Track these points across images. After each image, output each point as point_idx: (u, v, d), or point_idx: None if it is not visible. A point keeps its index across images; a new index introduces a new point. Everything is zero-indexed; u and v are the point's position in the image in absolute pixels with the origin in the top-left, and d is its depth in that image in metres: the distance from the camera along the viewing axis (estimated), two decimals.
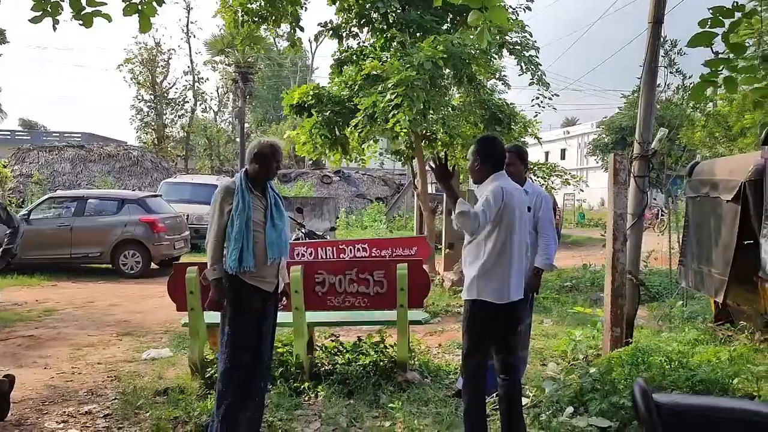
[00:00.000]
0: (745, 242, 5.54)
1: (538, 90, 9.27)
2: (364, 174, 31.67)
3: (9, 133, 43.60)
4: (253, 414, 4.02)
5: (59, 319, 8.41)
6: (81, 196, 13.30)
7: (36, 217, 12.55)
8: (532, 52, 9.19)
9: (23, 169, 24.32)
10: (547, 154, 54.37)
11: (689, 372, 4.15)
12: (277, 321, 4.36)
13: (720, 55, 2.85)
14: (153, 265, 12.83)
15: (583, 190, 13.90)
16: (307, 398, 4.84)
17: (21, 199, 21.57)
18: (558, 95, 9.30)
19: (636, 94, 7.42)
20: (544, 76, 9.14)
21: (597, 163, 44.64)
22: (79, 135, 38.36)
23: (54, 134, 41.12)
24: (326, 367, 5.35)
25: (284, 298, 4.34)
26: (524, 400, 4.32)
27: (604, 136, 41.49)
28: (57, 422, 4.55)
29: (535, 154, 31.41)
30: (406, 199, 27.97)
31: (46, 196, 13.94)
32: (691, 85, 13.30)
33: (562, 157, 55.59)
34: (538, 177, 11.84)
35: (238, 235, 3.85)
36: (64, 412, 4.76)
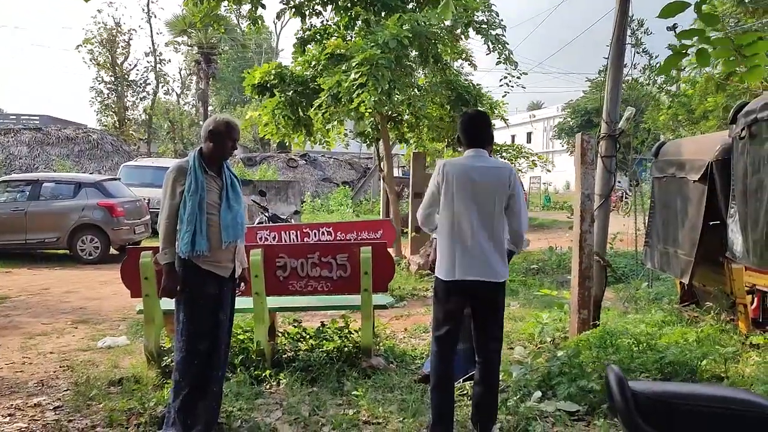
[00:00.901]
0: (711, 223, 5.52)
1: (506, 69, 9.16)
2: (331, 157, 31.36)
3: None
4: (210, 404, 3.84)
5: (11, 306, 8.07)
6: (35, 179, 12.79)
7: None
8: (499, 31, 9.07)
9: None
10: (513, 137, 54.60)
11: (657, 354, 4.10)
12: (237, 306, 4.18)
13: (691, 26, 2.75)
14: (112, 251, 12.45)
15: (550, 171, 13.96)
16: (268, 386, 4.66)
17: None
18: (526, 74, 9.19)
19: (602, 75, 7.35)
20: (511, 55, 9.03)
21: (562, 146, 45.05)
22: (37, 117, 37.09)
23: (11, 117, 39.63)
24: (288, 354, 5.19)
25: (242, 284, 4.16)
26: None
27: (569, 119, 41.84)
28: (3, 416, 4.30)
29: (501, 137, 31.48)
30: (372, 183, 27.82)
31: None
32: (657, 65, 13.36)
33: (528, 141, 55.96)
34: (505, 159, 11.78)
35: (191, 217, 3.65)
36: (12, 405, 4.51)
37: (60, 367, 5.49)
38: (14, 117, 38.30)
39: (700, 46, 2.82)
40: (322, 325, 5.32)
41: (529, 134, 58.07)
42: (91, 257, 12.01)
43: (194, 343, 3.75)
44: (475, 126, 3.81)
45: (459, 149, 3.84)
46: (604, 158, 5.57)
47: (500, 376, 4.03)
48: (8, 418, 4.27)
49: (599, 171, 5.54)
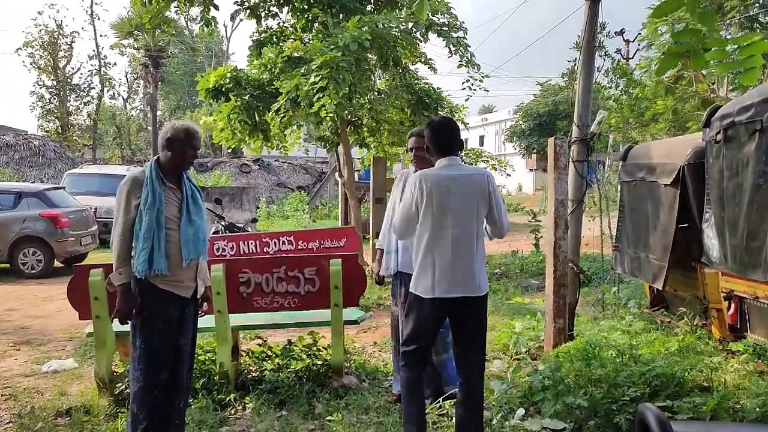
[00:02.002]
0: (680, 226, 5.45)
1: (468, 72, 9.01)
2: (285, 162, 30.89)
3: None
4: None
5: None
6: None
7: None
8: (461, 33, 8.91)
9: None
10: (466, 140, 55.05)
11: (644, 367, 3.96)
12: (198, 326, 3.86)
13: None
14: (57, 264, 11.81)
15: (510, 175, 13.97)
16: (233, 411, 4.34)
17: None
18: (488, 76, 9.07)
19: (566, 78, 7.25)
20: (473, 58, 8.88)
21: (515, 149, 45.58)
22: None
23: None
24: (254, 375, 4.87)
25: (204, 304, 3.84)
26: None
27: (521, 122, 42.34)
28: None
29: None
30: (328, 188, 27.48)
31: None
32: (617, 68, 13.49)
33: (481, 144, 56.48)
34: (466, 163, 11.69)
35: (148, 233, 3.33)
36: None
37: (1, 395, 5.03)
38: None
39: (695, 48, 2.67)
40: (289, 342, 5.02)
41: (481, 137, 58.63)
42: (33, 271, 11.34)
43: (153, 372, 3.42)
44: (446, 133, 3.63)
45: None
46: (576, 162, 5.45)
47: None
48: None
49: (571, 176, 5.42)
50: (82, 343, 6.49)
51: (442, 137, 3.61)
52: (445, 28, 8.94)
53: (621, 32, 20.98)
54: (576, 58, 7.11)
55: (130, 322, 3.46)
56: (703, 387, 4.06)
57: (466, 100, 9.90)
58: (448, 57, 8.86)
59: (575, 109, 5.50)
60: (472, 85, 9.23)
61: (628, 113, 17.38)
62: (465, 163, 11.94)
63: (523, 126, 41.47)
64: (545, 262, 10.20)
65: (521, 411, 3.88)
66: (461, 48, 8.87)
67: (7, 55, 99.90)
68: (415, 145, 4.24)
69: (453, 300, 3.41)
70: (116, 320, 3.50)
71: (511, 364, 4.68)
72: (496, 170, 12.84)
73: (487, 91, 9.74)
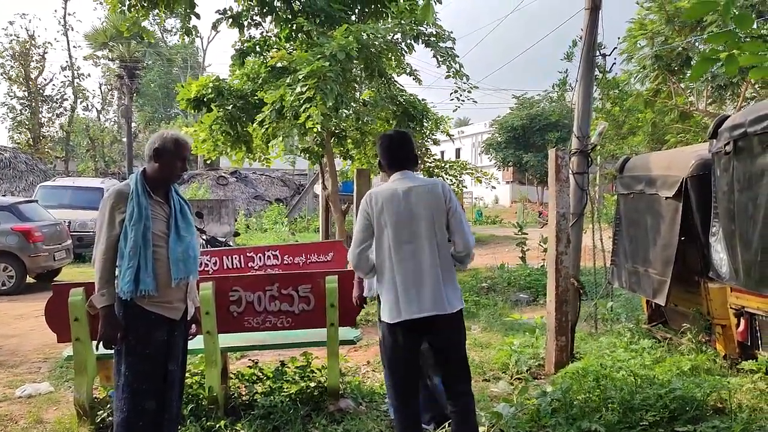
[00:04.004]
0: (681, 239, 5.33)
1: (455, 83, 8.89)
2: (262, 174, 30.55)
3: None
4: None
5: None
6: None
7: None
8: (449, 44, 8.79)
9: None
10: (442, 153, 55.15)
11: (660, 389, 3.79)
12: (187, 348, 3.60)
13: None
14: (29, 280, 11.36)
15: (495, 187, 13.80)
16: None
17: None
18: (477, 87, 8.96)
19: (556, 89, 7.20)
20: (462, 68, 8.76)
21: (490, 161, 45.73)
22: None
23: None
24: (244, 399, 4.60)
25: (194, 326, 3.57)
26: (479, 429, 3.80)
27: (497, 135, 42.51)
28: None
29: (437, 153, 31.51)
30: (307, 200, 27.20)
31: None
32: (607, 79, 13.47)
33: (458, 156, 56.52)
34: (450, 175, 11.57)
35: (134, 250, 3.08)
36: None
37: None
38: None
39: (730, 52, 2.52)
40: (282, 364, 4.76)
41: (458, 150, 58.74)
42: (4, 287, 10.88)
43: (139, 401, 3.16)
44: (397, 147, 3.45)
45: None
46: (576, 175, 5.31)
47: (489, 420, 3.63)
48: None
49: (572, 188, 5.27)
50: (57, 364, 6.14)
51: (394, 150, 3.44)
52: (433, 38, 8.83)
53: (599, 46, 21.16)
54: (567, 69, 7.00)
55: (114, 347, 3.20)
56: (718, 409, 3.90)
57: (454, 111, 9.79)
58: (437, 67, 8.73)
59: (574, 120, 5.37)
60: (461, 95, 9.11)
61: (611, 126, 17.46)
62: (447, 175, 11.88)
63: (499, 139, 41.65)
64: (534, 275, 10.20)
65: None
66: (449, 58, 8.76)
67: None
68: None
69: (422, 321, 3.17)
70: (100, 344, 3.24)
71: (516, 386, 4.48)
72: (480, 182, 12.74)
73: (476, 102, 9.64)
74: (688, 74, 12.71)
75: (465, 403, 3.29)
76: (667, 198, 5.29)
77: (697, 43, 12.88)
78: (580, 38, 5.54)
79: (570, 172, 5.27)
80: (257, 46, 9.68)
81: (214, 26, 9.52)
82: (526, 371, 5.14)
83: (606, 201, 21.63)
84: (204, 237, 9.88)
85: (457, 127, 60.23)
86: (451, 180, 11.81)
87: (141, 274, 3.09)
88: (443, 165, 11.71)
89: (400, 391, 3.33)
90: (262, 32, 9.88)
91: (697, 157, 5.03)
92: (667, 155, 6.58)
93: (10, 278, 10.96)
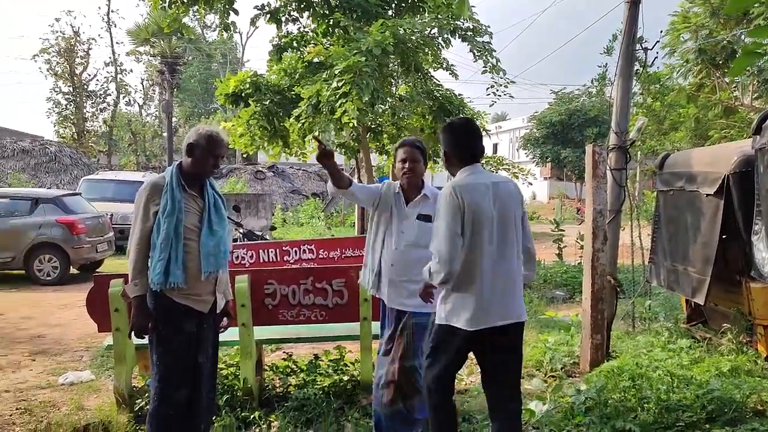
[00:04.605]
0: (722, 237, 5.20)
1: (492, 78, 8.82)
2: (299, 169, 30.77)
3: None
4: None
5: None
6: None
7: None
8: (486, 38, 8.72)
9: None
10: None
11: (698, 389, 3.71)
12: (221, 340, 3.66)
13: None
14: (72, 271, 11.69)
15: (531, 184, 13.66)
16: (258, 430, 4.13)
17: None
18: (514, 82, 8.87)
19: (595, 83, 7.04)
20: (499, 63, 8.68)
21: (528, 157, 45.26)
22: None
23: None
24: (278, 391, 4.67)
25: (225, 319, 3.59)
26: None
27: (535, 130, 42.03)
28: None
29: None
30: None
31: None
32: (649, 74, 13.20)
33: (495, 152, 56.18)
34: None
35: (165, 243, 3.13)
36: None
37: (17, 409, 4.85)
38: None
39: None
40: (316, 357, 4.81)
41: (495, 145, 58.32)
42: (49, 278, 11.21)
43: (169, 392, 3.23)
44: (473, 137, 3.19)
45: (445, 162, 3.26)
46: (613, 171, 5.22)
47: (522, 417, 3.60)
48: None
49: (609, 184, 5.19)
50: (98, 353, 6.32)
51: (471, 140, 3.17)
52: (469, 33, 8.76)
53: (640, 40, 20.73)
54: (606, 64, 6.88)
55: (144, 336, 3.28)
56: (758, 411, 3.80)
57: (490, 106, 9.72)
58: (474, 62, 8.67)
59: (612, 116, 5.28)
60: (497, 90, 9.03)
61: (652, 121, 17.11)
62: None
63: (537, 134, 41.15)
64: (571, 273, 10.06)
65: None
66: (486, 53, 8.69)
67: (25, 61, 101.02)
68: (406, 156, 3.66)
69: (498, 329, 2.98)
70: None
71: (550, 383, 4.44)
72: (517, 178, 12.62)
73: (512, 97, 9.55)
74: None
75: (517, 425, 3.11)
76: (707, 195, 5.17)
77: (743, 37, 12.52)
78: (621, 32, 5.44)
79: (607, 168, 5.18)
80: (294, 42, 9.76)
81: (253, 22, 9.62)
82: (561, 369, 5.09)
83: (646, 198, 21.22)
84: (241, 230, 10.01)
85: (494, 122, 59.84)
86: None
87: (171, 266, 3.14)
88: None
89: (446, 391, 3.14)
90: (300, 27, 9.96)
91: (740, 153, 4.90)
92: (708, 151, 6.42)
93: (54, 269, 11.29)
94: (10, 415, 4.71)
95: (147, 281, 3.19)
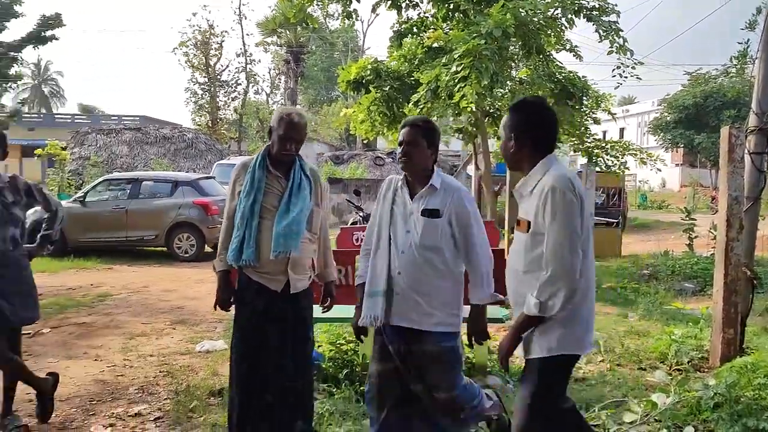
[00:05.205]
0: None
1: (619, 59, 8.44)
2: None
3: (69, 116, 44.61)
4: None
5: (113, 305, 8.14)
6: (135, 178, 13.12)
7: (91, 199, 12.44)
8: (613, 17, 8.35)
9: (82, 151, 24.62)
10: (604, 133, 52.47)
11: None
12: (340, 315, 3.80)
13: None
14: (207, 249, 12.58)
15: (660, 170, 12.93)
16: None
17: (80, 182, 21.77)
18: (642, 63, 8.43)
19: (735, 61, 6.47)
20: (626, 43, 8.28)
21: (657, 143, 42.70)
22: (137, 118, 38.85)
23: (112, 117, 41.76)
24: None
25: (329, 299, 3.67)
26: (630, 416, 3.68)
27: (666, 114, 39.53)
28: (104, 426, 4.15)
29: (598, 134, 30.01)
30: (460, 181, 27.20)
31: (101, 179, 13.85)
32: None
33: (621, 136, 53.50)
34: (611, 156, 11.01)
35: (241, 221, 3.24)
36: (113, 413, 4.37)
37: (160, 372, 5.36)
38: (116, 118, 40.33)
39: None
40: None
41: (621, 130, 55.49)
42: (187, 255, 12.14)
43: (236, 366, 3.40)
44: (554, 119, 2.74)
45: (514, 147, 2.68)
46: (753, 155, 4.86)
47: (643, 409, 3.49)
48: (109, 428, 4.12)
49: (747, 170, 4.84)
50: (230, 325, 6.77)
51: (551, 125, 2.69)
52: (595, 12, 8.44)
53: None
54: (748, 40, 6.36)
55: (226, 310, 3.48)
56: None
57: (615, 88, 9.29)
58: (599, 42, 8.34)
59: (754, 95, 4.91)
60: (623, 72, 8.63)
61: None
62: (608, 157, 11.29)
63: (668, 118, 38.66)
64: (702, 264, 9.47)
65: (690, 429, 3.50)
66: (612, 33, 8.32)
67: (166, 54, 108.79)
68: (403, 138, 3.11)
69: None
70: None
71: (675, 376, 4.26)
72: (645, 164, 11.98)
73: (640, 78, 9.09)
74: None
75: None
76: None
77: None
78: (766, 4, 5.05)
79: (746, 151, 4.84)
80: (414, 27, 9.85)
81: (374, 9, 9.82)
82: (687, 362, 4.85)
83: None
84: (361, 214, 10.34)
85: (621, 105, 57.02)
86: (612, 161, 11.22)
87: (245, 244, 3.22)
88: (604, 145, 11.16)
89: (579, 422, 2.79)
90: (420, 13, 10.03)
91: None
92: None
93: (191, 246, 12.20)
94: (155, 377, 5.21)
95: None
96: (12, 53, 33.63)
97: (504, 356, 2.65)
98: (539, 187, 2.52)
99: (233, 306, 3.47)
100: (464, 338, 3.33)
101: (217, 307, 3.49)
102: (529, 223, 2.54)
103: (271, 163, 3.33)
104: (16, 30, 54.06)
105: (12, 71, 34.91)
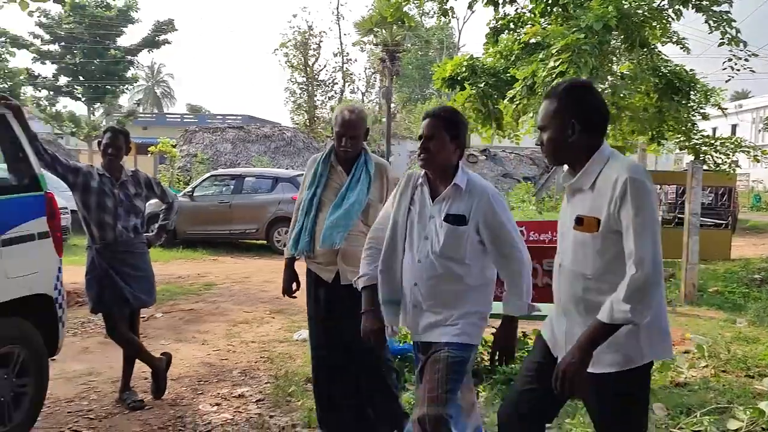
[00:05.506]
0: None
1: (730, 51, 7.96)
2: (511, 152, 30.55)
3: (178, 116, 47.35)
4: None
5: (218, 293, 8.62)
6: (239, 174, 13.80)
7: (199, 194, 13.19)
8: (725, 7, 7.88)
9: (190, 149, 26.07)
10: (714, 130, 49.44)
11: None
12: None
13: None
14: None
15: None
16: None
17: (188, 177, 23.08)
18: (757, 55, 7.91)
19: None
20: (739, 34, 7.79)
21: None
22: (240, 117, 40.63)
23: (217, 117, 43.91)
24: (486, 363, 4.83)
25: None
26: (735, 423, 3.53)
27: None
28: (211, 404, 4.45)
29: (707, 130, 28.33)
30: (556, 179, 26.55)
31: (207, 174, 14.65)
32: None
33: (733, 133, 50.25)
34: (721, 153, 10.40)
35: (300, 213, 3.51)
36: (218, 393, 4.67)
37: (260, 357, 5.65)
38: (220, 117, 42.40)
39: None
40: (524, 335, 4.90)
41: (733, 126, 52.13)
42: (285, 248, 12.58)
43: (312, 350, 3.72)
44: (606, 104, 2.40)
45: (571, 137, 2.31)
46: None
47: (749, 417, 3.34)
48: (215, 407, 4.40)
49: None
50: None
51: (605, 108, 2.35)
52: (705, 2, 8.00)
53: None
54: None
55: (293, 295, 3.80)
56: None
57: (726, 81, 8.77)
58: (709, 33, 7.90)
59: None
60: (735, 64, 8.13)
61: None
62: (718, 154, 10.68)
63: None
64: None
65: None
66: (724, 23, 7.86)
67: (268, 55, 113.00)
68: (422, 132, 2.74)
69: None
70: None
71: None
72: (758, 162, 11.22)
73: (754, 71, 8.53)
74: None
75: None
76: None
77: None
78: None
79: None
80: (511, 23, 9.71)
81: (470, 6, 9.77)
82: None
83: None
84: None
85: (734, 101, 53.58)
86: (723, 159, 10.59)
87: (302, 234, 3.47)
88: (712, 142, 10.55)
89: None
90: (517, 9, 9.88)
91: None
92: None
93: None
94: (255, 362, 5.51)
95: None
96: (129, 57, 36.07)
97: (577, 378, 2.11)
98: (605, 179, 2.19)
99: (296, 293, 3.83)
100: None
101: (285, 294, 3.80)
102: (598, 221, 2.18)
103: (337, 158, 3.48)
104: (132, 35, 57.86)
105: (129, 74, 37.52)
